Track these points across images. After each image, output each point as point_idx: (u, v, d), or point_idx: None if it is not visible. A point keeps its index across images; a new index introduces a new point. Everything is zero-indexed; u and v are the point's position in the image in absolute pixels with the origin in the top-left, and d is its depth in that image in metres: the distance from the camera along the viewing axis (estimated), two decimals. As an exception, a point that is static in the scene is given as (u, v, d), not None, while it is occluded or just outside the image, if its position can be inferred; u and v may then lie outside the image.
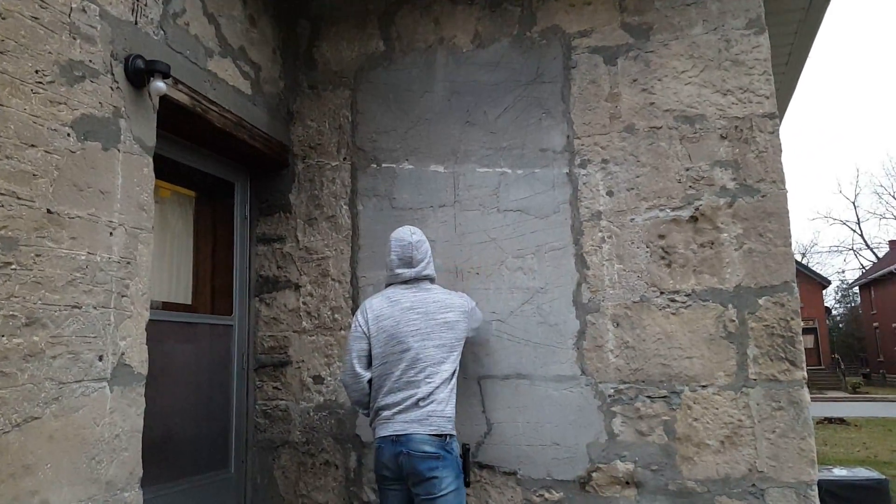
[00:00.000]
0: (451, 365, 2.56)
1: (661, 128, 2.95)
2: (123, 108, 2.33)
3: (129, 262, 2.28)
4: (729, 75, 2.90)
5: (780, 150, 2.81)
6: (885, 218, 43.21)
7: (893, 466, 8.18)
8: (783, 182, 2.79)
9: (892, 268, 31.37)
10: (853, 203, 64.18)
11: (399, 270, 2.65)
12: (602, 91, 3.05)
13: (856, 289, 40.64)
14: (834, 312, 42.28)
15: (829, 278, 37.11)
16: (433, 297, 2.63)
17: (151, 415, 2.49)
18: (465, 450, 2.64)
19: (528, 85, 3.16)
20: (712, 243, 2.83)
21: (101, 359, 2.11)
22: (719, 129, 2.88)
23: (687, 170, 2.90)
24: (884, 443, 10.73)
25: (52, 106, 2.05)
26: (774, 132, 2.83)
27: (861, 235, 50.66)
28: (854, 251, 48.67)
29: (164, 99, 2.55)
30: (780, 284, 2.73)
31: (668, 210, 2.90)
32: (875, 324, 35.20)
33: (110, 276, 2.19)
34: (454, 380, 2.58)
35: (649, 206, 2.92)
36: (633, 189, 2.95)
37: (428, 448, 2.41)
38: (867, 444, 10.59)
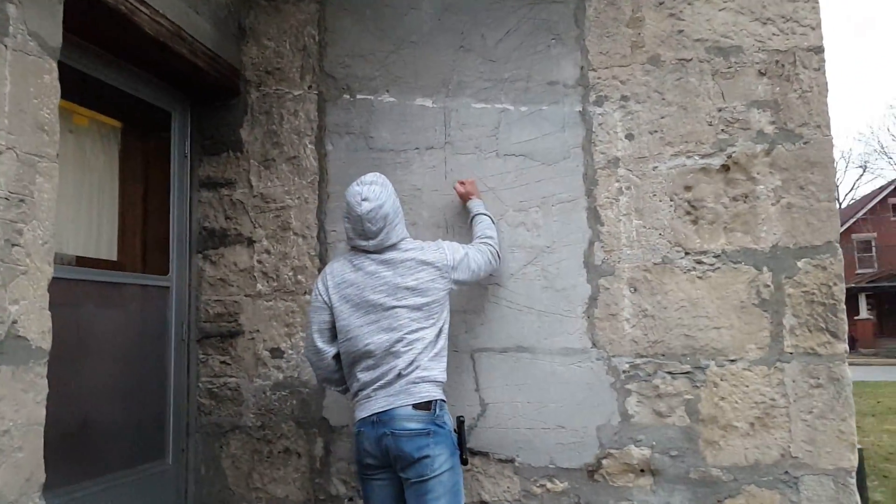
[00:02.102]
0: (432, 330, 2.17)
1: (690, 60, 2.55)
2: (15, -9, 1.70)
3: (22, 200, 1.68)
4: (770, 1, 2.52)
5: (826, 90, 2.46)
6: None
7: (861, 431, 8.27)
8: (828, 127, 2.45)
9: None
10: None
11: (358, 242, 2.18)
12: (623, 15, 2.62)
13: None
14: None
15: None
16: (403, 256, 2.18)
17: (64, 399, 2.00)
18: (460, 422, 2.24)
19: (535, 4, 2.70)
20: (746, 196, 2.47)
21: (-16, 330, 1.54)
22: (757, 63, 2.50)
23: (719, 111, 2.51)
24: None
25: None
26: (820, 69, 2.47)
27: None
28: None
29: (76, -13, 1.94)
30: (823, 245, 2.40)
31: (697, 157, 2.51)
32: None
33: (-2, 216, 1.60)
34: (440, 343, 2.19)
35: (675, 152, 2.53)
36: (656, 132, 2.55)
37: (413, 425, 2.05)
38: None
